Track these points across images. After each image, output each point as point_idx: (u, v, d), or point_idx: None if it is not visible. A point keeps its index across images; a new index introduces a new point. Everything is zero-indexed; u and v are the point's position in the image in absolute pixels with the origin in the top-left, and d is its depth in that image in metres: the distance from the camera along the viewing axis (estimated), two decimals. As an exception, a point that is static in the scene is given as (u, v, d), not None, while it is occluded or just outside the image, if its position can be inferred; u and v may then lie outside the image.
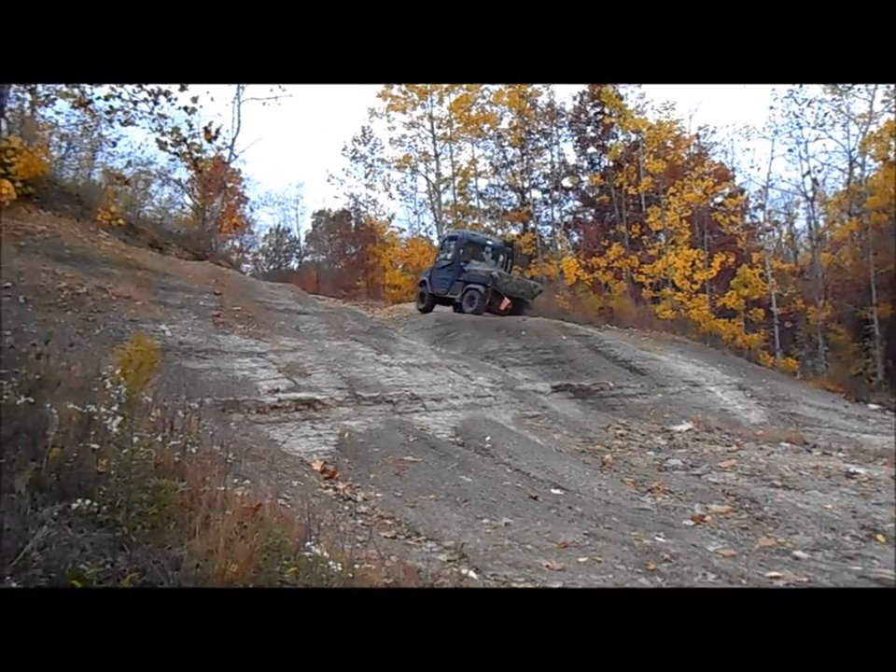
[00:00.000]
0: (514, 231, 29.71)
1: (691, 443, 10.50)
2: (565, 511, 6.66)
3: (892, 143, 20.51)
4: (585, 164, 30.59)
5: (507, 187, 30.89)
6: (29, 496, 2.50)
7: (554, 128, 29.52)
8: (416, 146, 28.74)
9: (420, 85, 26.74)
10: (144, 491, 2.78)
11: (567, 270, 25.33)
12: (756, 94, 45.16)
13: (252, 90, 20.45)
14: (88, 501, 2.56)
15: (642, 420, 11.67)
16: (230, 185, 24.25)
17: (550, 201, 30.49)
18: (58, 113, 12.20)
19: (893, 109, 20.74)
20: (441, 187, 29.27)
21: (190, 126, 6.79)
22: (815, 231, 24.74)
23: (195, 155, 7.15)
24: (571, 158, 30.91)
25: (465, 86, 26.77)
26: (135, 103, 6.46)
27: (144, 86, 6.32)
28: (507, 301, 16.27)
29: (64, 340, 5.59)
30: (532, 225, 29.63)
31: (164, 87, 6.39)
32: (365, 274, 29.44)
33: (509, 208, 30.90)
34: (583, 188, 30.75)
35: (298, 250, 38.94)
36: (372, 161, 29.69)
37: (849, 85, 20.95)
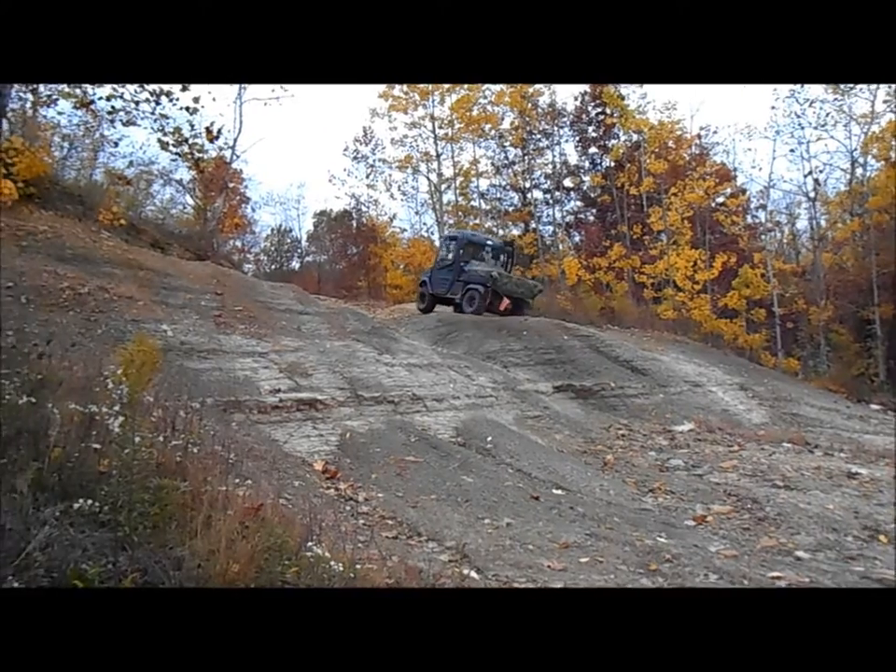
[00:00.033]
0: (516, 232, 29.68)
1: (692, 444, 10.50)
2: (566, 511, 6.65)
3: (894, 143, 20.48)
4: (587, 164, 30.60)
5: (508, 187, 30.88)
6: (31, 496, 2.50)
7: (556, 128, 29.52)
8: (418, 146, 28.80)
9: (421, 85, 26.77)
10: (145, 491, 2.78)
11: (569, 270, 25.33)
12: (758, 94, 45.22)
13: (253, 90, 20.51)
14: (89, 501, 2.56)
15: (644, 420, 11.67)
16: (231, 185, 24.28)
17: (551, 201, 30.49)
18: (60, 113, 12.22)
19: (895, 109, 20.74)
20: (443, 187, 29.29)
21: (192, 126, 6.80)
22: (816, 231, 24.74)
23: (197, 155, 7.15)
24: (573, 158, 30.97)
25: (466, 86, 26.79)
26: (137, 103, 6.48)
27: (145, 86, 6.33)
28: (506, 301, 16.28)
29: (66, 340, 5.59)
30: (533, 225, 29.63)
31: (166, 87, 6.40)
32: (366, 275, 29.43)
33: (510, 208, 30.89)
34: (585, 188, 30.75)
35: (299, 250, 38.99)
36: (374, 161, 29.72)
37: (851, 85, 20.94)
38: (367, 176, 29.80)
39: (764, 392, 14.62)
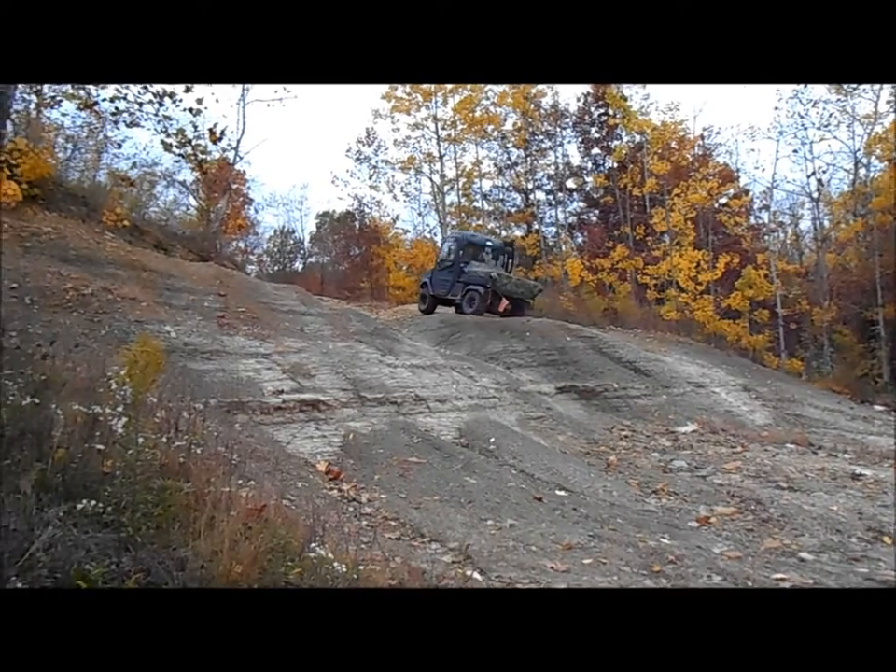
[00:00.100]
0: (518, 233, 29.67)
1: (695, 445, 10.48)
2: (569, 512, 6.64)
3: (897, 143, 20.45)
4: (589, 165, 30.56)
5: (511, 188, 30.88)
6: (34, 496, 2.50)
7: (558, 129, 29.51)
8: (420, 147, 28.79)
9: (424, 86, 26.79)
10: (149, 492, 2.78)
11: (572, 271, 25.32)
12: (761, 95, 45.13)
13: (256, 92, 20.58)
14: (93, 502, 2.56)
15: (647, 421, 11.65)
16: (234, 186, 24.32)
17: (554, 202, 30.50)
18: (63, 115, 12.25)
19: (898, 110, 20.68)
20: (446, 188, 29.29)
21: (195, 128, 6.79)
22: (820, 231, 24.68)
23: (200, 157, 7.16)
24: (575, 159, 30.92)
25: (469, 87, 26.80)
26: (140, 104, 6.48)
27: (149, 87, 6.34)
28: (505, 301, 16.29)
29: (70, 341, 5.60)
30: (536, 226, 29.59)
31: (169, 88, 6.40)
32: (369, 276, 29.42)
33: (513, 209, 30.88)
34: (587, 189, 30.75)
35: (302, 251, 39.04)
36: (377, 162, 29.70)
37: (854, 85, 20.90)
38: (370, 177, 29.82)
39: (768, 393, 14.60)
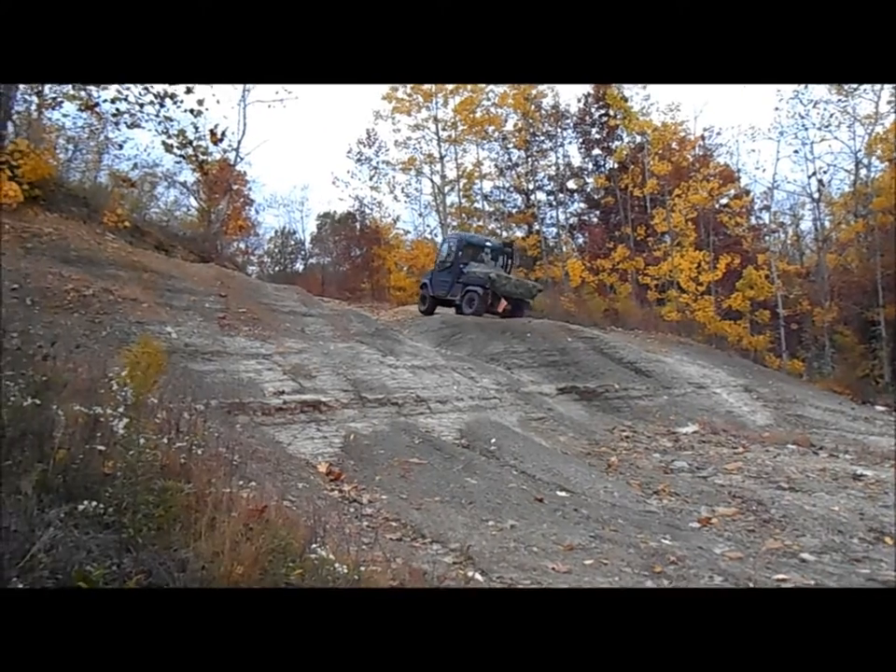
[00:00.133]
0: (519, 233, 29.68)
1: (697, 445, 10.47)
2: (570, 513, 6.64)
3: (898, 144, 20.44)
4: (590, 166, 30.58)
5: (512, 189, 30.90)
6: (35, 497, 2.50)
7: (559, 130, 29.54)
8: (421, 148, 28.82)
9: (425, 87, 26.81)
10: (150, 493, 2.78)
11: (573, 272, 25.31)
12: (761, 95, 45.05)
13: (257, 93, 20.60)
14: (94, 503, 2.56)
15: (648, 422, 11.65)
16: (235, 187, 24.32)
17: (555, 202, 30.50)
18: (65, 116, 12.23)
19: (899, 110, 20.67)
20: (446, 189, 29.31)
21: (196, 128, 6.80)
22: (821, 232, 24.67)
23: (201, 157, 7.16)
24: (576, 160, 30.95)
25: (470, 88, 26.82)
26: (141, 105, 6.48)
27: (150, 88, 6.34)
28: (504, 302, 16.30)
29: (71, 342, 5.60)
30: (537, 227, 29.61)
31: (170, 89, 6.40)
32: (370, 276, 29.42)
33: (513, 210, 30.90)
34: (588, 189, 30.76)
35: (303, 252, 39.04)
36: (377, 163, 29.71)
37: (855, 86, 20.90)
38: (370, 178, 29.83)
39: (769, 394, 14.59)
